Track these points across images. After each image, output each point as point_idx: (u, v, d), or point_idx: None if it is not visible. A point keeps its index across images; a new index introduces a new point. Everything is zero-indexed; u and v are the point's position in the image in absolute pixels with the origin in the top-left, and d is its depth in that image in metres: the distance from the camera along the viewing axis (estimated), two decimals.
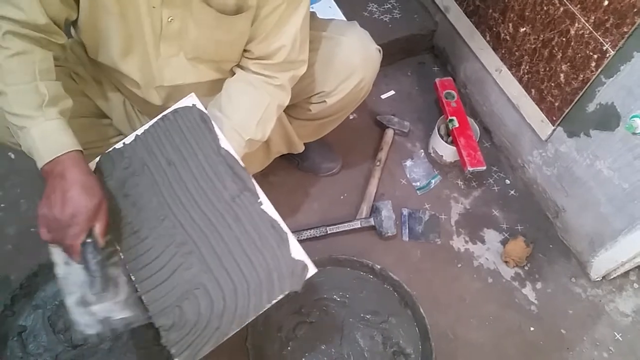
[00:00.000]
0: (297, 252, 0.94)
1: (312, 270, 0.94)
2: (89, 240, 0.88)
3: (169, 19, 0.97)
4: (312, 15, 1.19)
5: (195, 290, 0.93)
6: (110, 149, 1.04)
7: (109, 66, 1.07)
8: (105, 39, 1.00)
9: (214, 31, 1.00)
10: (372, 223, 1.53)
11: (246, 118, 1.07)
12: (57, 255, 0.93)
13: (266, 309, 0.92)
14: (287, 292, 0.92)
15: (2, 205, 1.51)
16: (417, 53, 1.95)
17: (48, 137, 0.86)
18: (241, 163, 0.99)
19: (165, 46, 1.01)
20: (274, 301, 0.91)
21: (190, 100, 1.05)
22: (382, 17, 1.85)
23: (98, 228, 0.89)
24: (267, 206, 0.97)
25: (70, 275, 0.92)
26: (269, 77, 1.08)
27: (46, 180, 0.87)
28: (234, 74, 1.12)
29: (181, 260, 0.95)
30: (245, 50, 1.09)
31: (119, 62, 1.03)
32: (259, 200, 0.97)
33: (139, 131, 1.05)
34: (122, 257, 0.97)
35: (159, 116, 1.05)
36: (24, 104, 0.86)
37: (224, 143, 1.00)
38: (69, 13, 0.94)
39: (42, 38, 0.90)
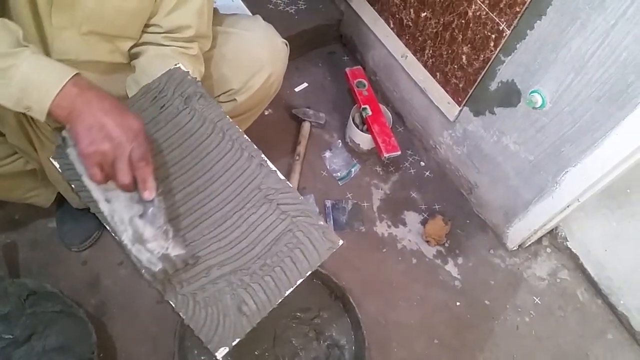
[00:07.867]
0: None
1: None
2: None
3: None
4: (214, 11, 1.15)
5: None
6: None
7: None
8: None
9: None
10: None
11: None
12: (97, 191, 0.84)
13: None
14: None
15: None
16: (326, 43, 1.95)
17: (44, 68, 0.77)
18: None
19: (57, 15, 0.92)
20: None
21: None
22: (287, 8, 1.83)
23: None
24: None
25: (115, 212, 0.84)
26: (183, 47, 1.04)
27: (65, 121, 0.79)
28: (131, 58, 1.06)
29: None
30: (152, 26, 1.03)
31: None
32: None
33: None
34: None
35: None
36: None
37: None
38: None
39: None
